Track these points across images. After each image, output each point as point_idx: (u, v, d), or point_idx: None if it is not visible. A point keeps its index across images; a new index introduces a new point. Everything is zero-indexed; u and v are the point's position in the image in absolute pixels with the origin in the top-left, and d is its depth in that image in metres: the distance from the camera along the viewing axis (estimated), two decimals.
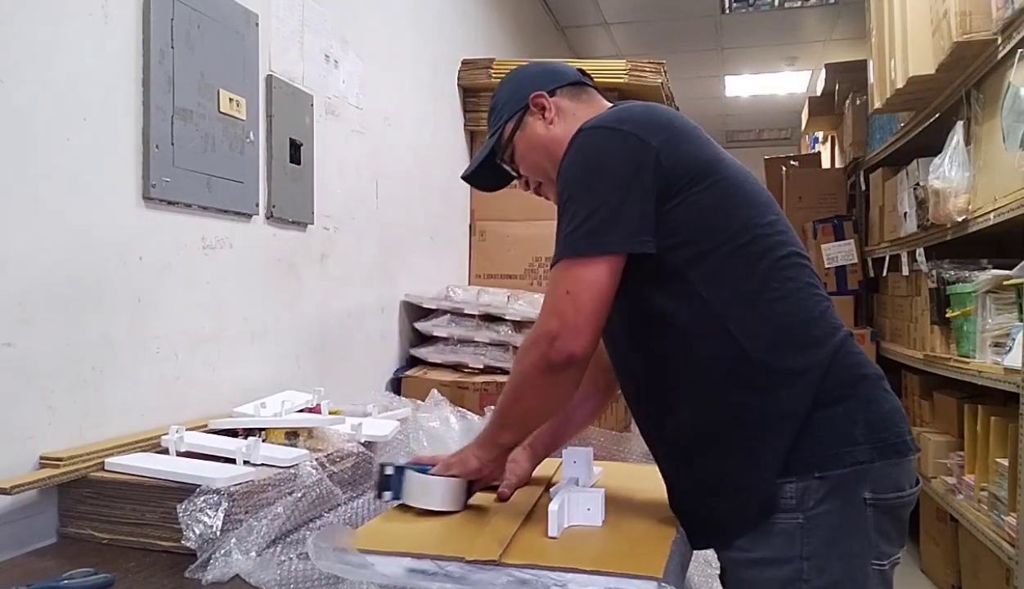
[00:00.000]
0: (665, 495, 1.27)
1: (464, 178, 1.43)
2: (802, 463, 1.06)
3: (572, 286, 1.09)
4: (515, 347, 2.52)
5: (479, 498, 1.33)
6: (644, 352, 1.19)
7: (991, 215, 2.38)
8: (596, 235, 1.08)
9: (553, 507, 1.14)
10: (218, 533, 1.12)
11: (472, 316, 2.56)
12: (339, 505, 1.38)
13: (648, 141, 1.10)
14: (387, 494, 1.28)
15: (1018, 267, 2.31)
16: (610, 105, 1.30)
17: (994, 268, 2.55)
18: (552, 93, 1.31)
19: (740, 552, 1.10)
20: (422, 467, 1.28)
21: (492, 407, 1.96)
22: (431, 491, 1.24)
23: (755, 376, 1.08)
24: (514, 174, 1.38)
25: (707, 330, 1.10)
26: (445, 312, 2.61)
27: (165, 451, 1.37)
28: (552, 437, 1.46)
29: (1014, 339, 2.22)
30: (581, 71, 1.39)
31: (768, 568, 1.07)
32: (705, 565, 1.59)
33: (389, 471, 1.27)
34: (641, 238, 1.08)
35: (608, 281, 1.09)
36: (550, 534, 1.13)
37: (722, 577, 1.21)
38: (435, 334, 2.59)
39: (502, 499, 1.33)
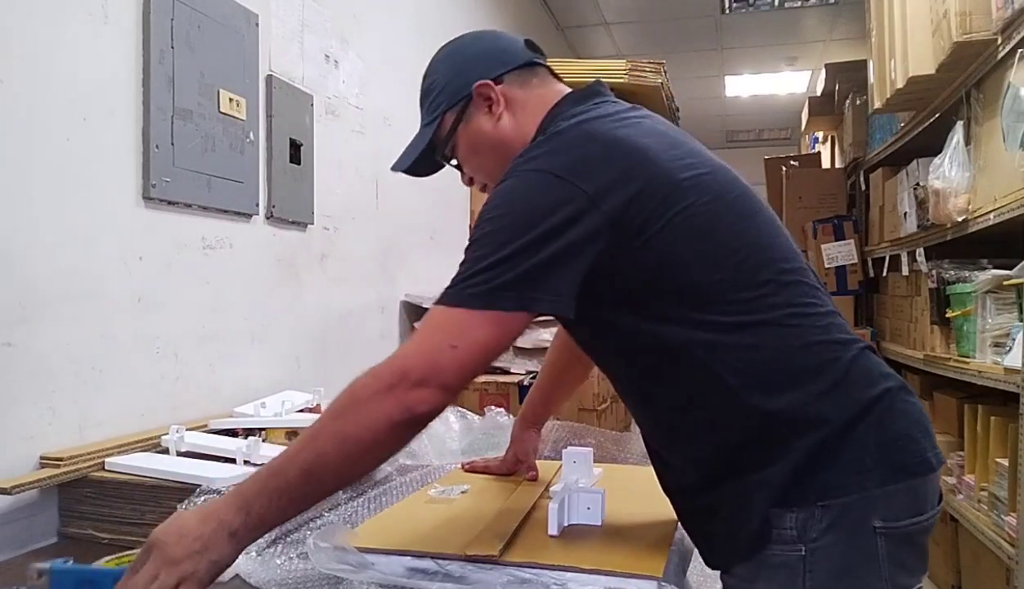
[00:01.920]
0: (665, 495, 1.27)
1: (395, 170, 1.23)
2: (803, 492, 0.94)
3: (461, 340, 0.92)
4: (515, 347, 2.52)
5: (479, 494, 1.33)
6: (635, 387, 1.08)
7: (991, 215, 2.38)
8: (516, 288, 0.92)
9: (553, 506, 1.14)
10: None
11: None
12: (339, 505, 1.38)
13: (586, 189, 0.94)
14: None
15: (1018, 267, 2.31)
16: (566, 90, 1.15)
17: (994, 268, 2.55)
18: (499, 80, 1.13)
19: (741, 581, 1.01)
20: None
21: (493, 408, 1.97)
22: None
23: (752, 419, 0.96)
24: (456, 169, 1.22)
25: (695, 375, 0.98)
26: None
27: (165, 451, 1.37)
28: (544, 405, 1.50)
29: (1014, 339, 2.22)
30: (530, 44, 1.19)
31: None
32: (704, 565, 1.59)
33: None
34: (553, 300, 0.95)
35: (501, 343, 0.95)
36: (550, 532, 1.14)
37: None
38: None
39: (534, 480, 1.40)
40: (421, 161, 1.19)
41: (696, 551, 1.26)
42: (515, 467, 1.49)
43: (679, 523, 1.21)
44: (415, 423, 0.91)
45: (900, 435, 0.98)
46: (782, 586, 0.95)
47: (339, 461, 0.90)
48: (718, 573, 1.19)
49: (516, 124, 1.12)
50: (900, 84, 2.87)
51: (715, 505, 1.01)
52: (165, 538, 0.87)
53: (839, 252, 4.41)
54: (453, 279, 0.96)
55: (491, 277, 0.93)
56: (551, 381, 1.52)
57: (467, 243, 0.97)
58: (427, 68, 1.20)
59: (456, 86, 1.14)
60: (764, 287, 0.98)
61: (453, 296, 0.95)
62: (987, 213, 2.42)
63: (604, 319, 1.01)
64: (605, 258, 0.95)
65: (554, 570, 1.02)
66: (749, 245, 1.00)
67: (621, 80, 2.89)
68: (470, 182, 1.21)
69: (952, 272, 2.83)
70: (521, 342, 2.52)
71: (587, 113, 1.06)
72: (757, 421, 0.96)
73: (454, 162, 1.20)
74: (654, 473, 1.34)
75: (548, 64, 1.20)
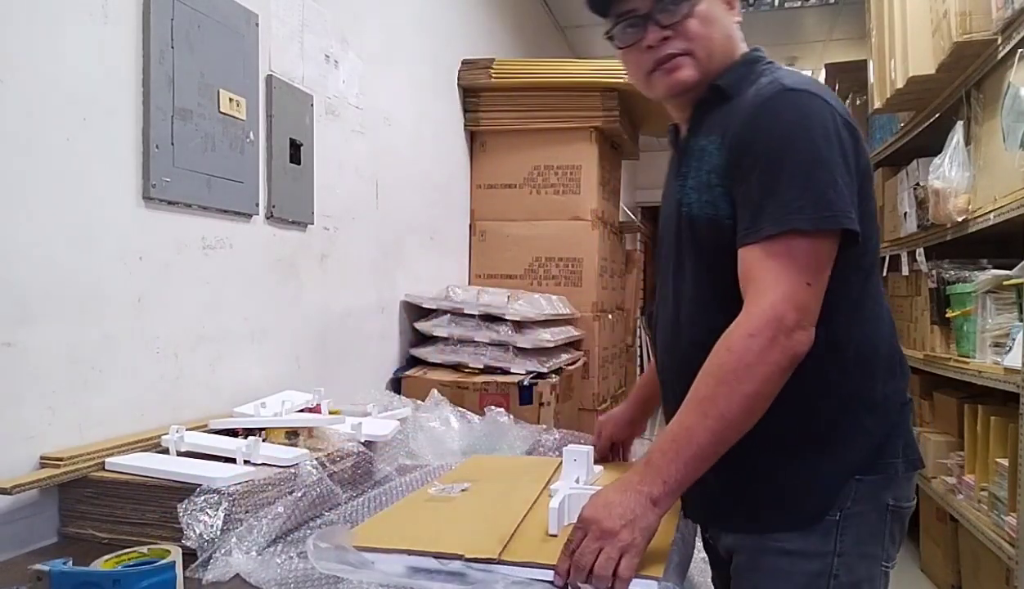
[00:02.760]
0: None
1: None
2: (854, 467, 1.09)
3: (813, 274, 0.99)
4: (516, 347, 2.52)
5: (480, 493, 1.33)
6: None
7: (991, 215, 2.38)
8: (831, 207, 0.98)
9: (554, 504, 1.14)
10: (218, 532, 1.12)
11: (472, 316, 2.56)
12: (339, 505, 1.38)
13: (852, 128, 1.05)
14: None
15: (1018, 267, 2.31)
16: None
17: (994, 268, 2.55)
18: None
19: (773, 541, 1.09)
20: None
21: (493, 407, 1.97)
22: None
23: (855, 392, 1.09)
24: (654, 21, 1.12)
25: (829, 344, 1.04)
26: (445, 312, 2.61)
27: (165, 451, 1.37)
28: (651, 390, 1.45)
29: (1014, 339, 2.22)
30: None
31: (801, 560, 1.08)
32: (706, 565, 1.59)
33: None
34: (856, 221, 1.01)
35: (831, 265, 1.01)
36: (550, 531, 1.13)
37: (725, 562, 1.19)
38: (435, 334, 2.59)
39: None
40: None
41: (696, 548, 1.26)
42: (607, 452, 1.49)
43: (679, 519, 1.21)
44: (796, 363, 0.99)
45: (912, 435, 1.15)
46: (817, 546, 1.07)
47: (744, 418, 0.98)
48: (712, 567, 1.20)
49: (737, 38, 1.20)
50: (900, 84, 2.87)
51: (792, 477, 1.09)
52: (595, 514, 0.97)
53: None
54: (772, 205, 0.99)
55: (819, 200, 0.98)
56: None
57: (758, 161, 1.01)
58: None
59: None
60: (877, 280, 1.13)
61: (789, 221, 0.98)
62: (987, 213, 2.42)
63: None
64: None
65: (554, 570, 1.02)
66: (876, 241, 1.13)
67: (621, 80, 2.89)
68: (654, 45, 1.12)
69: (952, 272, 2.83)
70: (521, 342, 2.52)
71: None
72: (858, 400, 1.08)
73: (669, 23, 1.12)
74: None
75: None
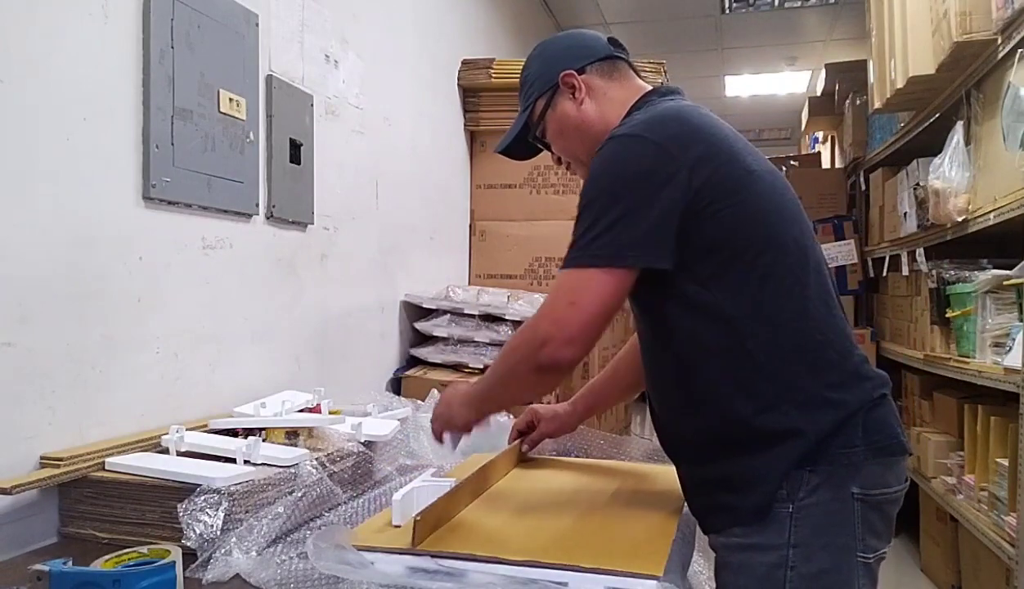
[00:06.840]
0: (666, 494, 1.28)
1: (498, 152, 1.42)
2: (802, 460, 1.10)
3: (578, 297, 1.09)
4: None
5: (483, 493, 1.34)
6: (666, 357, 1.19)
7: (991, 215, 2.38)
8: (613, 246, 1.08)
9: (397, 497, 1.17)
10: (218, 532, 1.12)
11: (472, 316, 2.56)
12: (339, 505, 1.38)
13: (679, 156, 1.09)
14: None
15: (1018, 267, 2.31)
16: (646, 86, 1.31)
17: (994, 268, 2.55)
18: (582, 70, 1.29)
19: (733, 537, 1.14)
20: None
21: None
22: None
23: (770, 396, 1.10)
24: (548, 150, 1.37)
25: (727, 348, 1.11)
26: (445, 312, 2.61)
27: (165, 451, 1.37)
28: (594, 399, 1.56)
29: (1014, 339, 2.22)
30: (613, 41, 1.35)
31: (757, 553, 1.11)
32: (706, 565, 1.59)
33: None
34: (658, 253, 1.08)
35: (616, 296, 1.09)
36: (394, 522, 1.16)
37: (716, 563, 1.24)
38: (435, 334, 2.59)
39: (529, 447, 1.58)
40: (517, 144, 1.38)
41: (696, 548, 1.27)
42: (524, 426, 1.58)
43: (679, 518, 1.22)
44: (549, 371, 1.13)
45: (881, 421, 1.13)
46: (772, 538, 1.10)
47: (503, 394, 1.26)
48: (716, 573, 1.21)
49: (599, 109, 1.28)
50: (900, 84, 2.87)
51: (730, 481, 1.13)
52: (437, 407, 1.36)
53: (839, 252, 4.41)
54: (572, 242, 1.12)
55: (602, 238, 1.08)
56: (606, 378, 1.57)
57: (580, 204, 1.13)
58: (524, 64, 1.38)
59: (546, 77, 1.31)
60: (804, 279, 1.13)
61: (571, 259, 1.11)
62: (987, 213, 2.42)
63: (664, 281, 1.12)
64: (682, 222, 1.09)
65: (554, 569, 1.02)
66: (796, 240, 1.15)
67: None
68: (558, 162, 1.38)
69: (952, 272, 2.84)
70: None
71: (674, 101, 1.24)
72: (778, 402, 1.10)
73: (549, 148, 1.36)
74: (654, 471, 1.36)
75: (630, 60, 1.36)
